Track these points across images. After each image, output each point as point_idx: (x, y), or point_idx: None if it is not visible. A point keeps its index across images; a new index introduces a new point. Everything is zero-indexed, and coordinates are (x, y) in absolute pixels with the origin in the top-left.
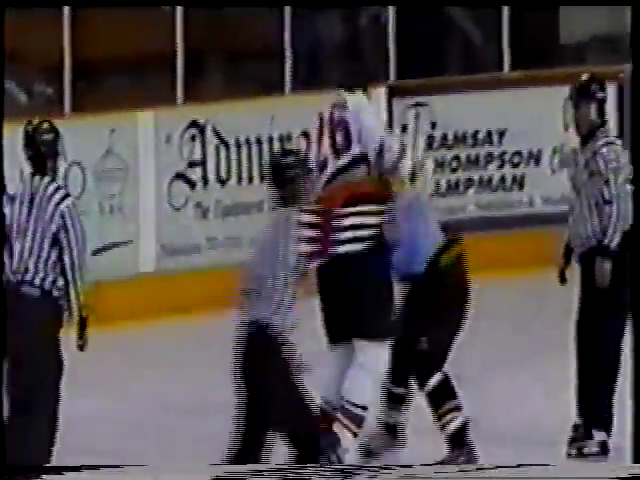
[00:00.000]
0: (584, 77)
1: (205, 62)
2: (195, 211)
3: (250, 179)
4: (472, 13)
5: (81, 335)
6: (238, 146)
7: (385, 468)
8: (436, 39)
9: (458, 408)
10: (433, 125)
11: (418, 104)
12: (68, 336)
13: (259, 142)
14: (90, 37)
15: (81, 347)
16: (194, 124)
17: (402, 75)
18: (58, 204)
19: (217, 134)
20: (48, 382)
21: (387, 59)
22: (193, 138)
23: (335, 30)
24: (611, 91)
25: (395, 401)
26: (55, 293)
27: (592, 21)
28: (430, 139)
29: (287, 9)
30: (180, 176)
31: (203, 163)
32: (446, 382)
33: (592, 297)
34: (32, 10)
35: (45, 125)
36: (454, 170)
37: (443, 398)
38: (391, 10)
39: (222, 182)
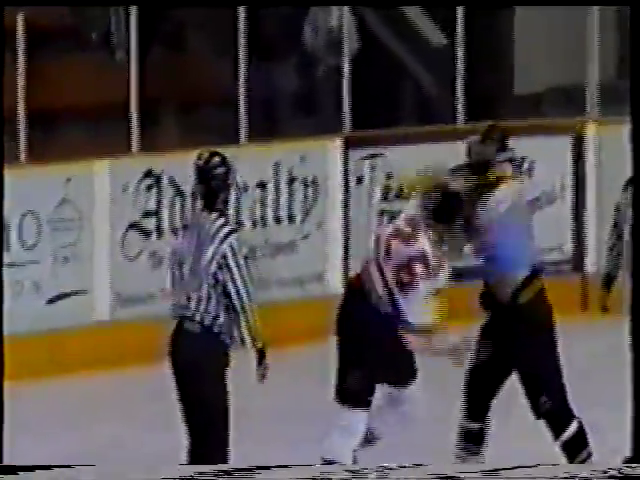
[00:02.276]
0: None
1: (160, 111)
2: (149, 260)
3: None
4: (427, 64)
5: (260, 365)
6: (194, 196)
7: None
8: (391, 90)
9: (590, 456)
10: (389, 176)
11: (374, 155)
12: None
13: None
14: (45, 86)
15: (263, 376)
16: (150, 174)
17: (358, 126)
18: (221, 243)
19: (173, 184)
20: (217, 416)
21: (342, 110)
22: (149, 188)
23: (291, 80)
24: (566, 143)
25: (470, 440)
26: (215, 329)
27: (548, 73)
28: (386, 190)
29: (242, 58)
30: (135, 226)
31: (157, 213)
32: (581, 431)
33: None
34: None
35: (216, 159)
36: None
37: (579, 448)
38: (346, 61)
39: (176, 232)
